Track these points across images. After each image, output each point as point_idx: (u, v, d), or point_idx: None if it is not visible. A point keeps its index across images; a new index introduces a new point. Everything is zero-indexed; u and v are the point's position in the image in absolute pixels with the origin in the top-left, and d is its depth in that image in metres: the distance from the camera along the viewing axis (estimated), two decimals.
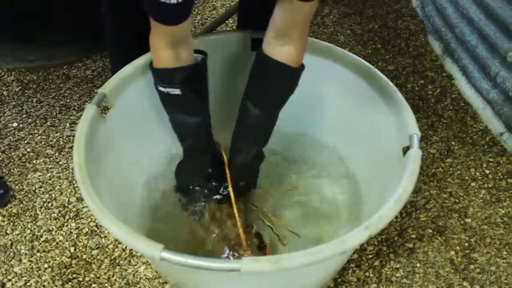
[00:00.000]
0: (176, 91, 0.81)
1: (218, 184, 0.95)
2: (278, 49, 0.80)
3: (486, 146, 1.25)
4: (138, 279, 0.98)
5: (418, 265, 1.01)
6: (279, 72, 0.81)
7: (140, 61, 0.93)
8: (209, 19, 1.70)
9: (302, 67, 0.83)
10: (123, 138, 0.91)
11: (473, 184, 1.16)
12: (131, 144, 0.94)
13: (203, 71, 0.87)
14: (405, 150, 0.79)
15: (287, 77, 0.82)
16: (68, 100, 1.41)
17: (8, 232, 1.07)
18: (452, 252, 1.03)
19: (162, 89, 0.82)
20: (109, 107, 0.89)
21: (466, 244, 1.04)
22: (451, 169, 1.20)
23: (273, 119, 0.89)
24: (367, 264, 1.01)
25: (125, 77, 0.91)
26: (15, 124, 1.33)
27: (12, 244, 1.04)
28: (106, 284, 0.97)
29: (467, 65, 1.37)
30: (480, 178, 1.18)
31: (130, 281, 0.98)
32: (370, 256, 1.02)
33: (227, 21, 1.58)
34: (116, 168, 0.88)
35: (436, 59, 1.53)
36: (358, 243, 0.64)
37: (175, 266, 0.63)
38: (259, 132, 0.90)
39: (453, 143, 1.26)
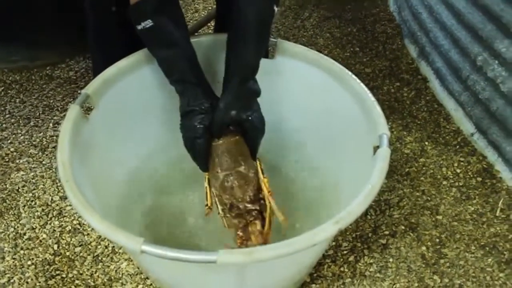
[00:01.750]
0: (149, 24, 0.83)
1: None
2: None
3: (457, 146, 1.30)
4: (120, 275, 1.00)
5: (390, 260, 1.05)
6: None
7: (122, 63, 0.95)
8: (191, 21, 1.73)
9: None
10: (106, 137, 0.93)
11: (444, 182, 1.21)
12: (114, 143, 0.96)
13: (174, 1, 0.88)
14: (376, 149, 0.83)
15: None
16: (51, 101, 1.42)
17: None
18: (424, 248, 1.08)
19: (139, 27, 0.84)
20: (92, 107, 0.91)
21: (437, 240, 1.09)
22: (424, 168, 1.25)
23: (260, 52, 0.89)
24: (342, 259, 1.05)
25: (108, 78, 0.93)
26: None
27: None
28: (89, 280, 1.00)
29: (441, 68, 1.43)
30: (451, 177, 1.23)
31: (112, 277, 1.00)
32: (345, 252, 1.07)
33: (209, 24, 1.61)
34: (99, 168, 0.91)
35: (412, 62, 1.58)
36: (329, 236, 0.68)
37: (156, 259, 0.66)
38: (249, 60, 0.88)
39: (426, 143, 1.31)
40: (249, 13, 0.85)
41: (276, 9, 0.87)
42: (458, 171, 1.24)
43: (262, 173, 0.89)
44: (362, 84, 0.91)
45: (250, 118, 0.88)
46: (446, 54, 1.39)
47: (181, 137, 0.89)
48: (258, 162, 0.92)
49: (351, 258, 1.05)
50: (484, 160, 1.26)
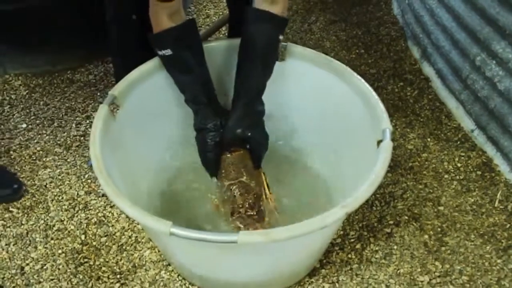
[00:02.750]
0: (168, 53, 0.96)
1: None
2: (270, 7, 0.95)
3: (458, 142, 1.37)
4: (144, 262, 1.08)
5: (395, 247, 1.12)
6: (279, 22, 0.97)
7: (144, 67, 1.04)
8: (202, 26, 1.81)
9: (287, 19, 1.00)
10: (131, 134, 1.02)
11: (446, 176, 1.28)
12: (138, 139, 1.04)
13: (192, 30, 1.00)
14: (379, 143, 0.90)
15: (281, 27, 0.99)
16: (73, 103, 1.51)
17: (23, 222, 1.17)
18: (426, 236, 1.15)
19: (159, 52, 0.97)
20: (119, 107, 0.99)
21: (439, 229, 1.16)
22: (426, 163, 1.32)
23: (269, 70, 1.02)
24: (349, 247, 1.12)
25: (132, 81, 1.02)
26: (24, 125, 1.43)
27: (27, 233, 1.15)
28: (115, 267, 1.08)
29: (442, 68, 1.50)
30: (452, 170, 1.30)
31: (136, 264, 1.08)
32: (352, 240, 1.14)
33: (220, 29, 1.69)
34: (125, 163, 0.99)
35: (415, 63, 1.65)
36: (337, 219, 0.75)
37: (181, 242, 0.74)
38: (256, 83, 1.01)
39: (429, 139, 1.39)
40: (257, 41, 0.98)
41: (281, 37, 0.99)
42: (459, 165, 1.31)
43: (268, 187, 1.00)
44: (366, 84, 0.99)
45: (254, 135, 1.01)
46: (447, 55, 1.46)
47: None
48: (263, 176, 1.03)
49: (358, 246, 1.13)
50: (483, 155, 1.33)
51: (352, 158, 1.03)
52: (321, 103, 1.11)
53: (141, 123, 1.05)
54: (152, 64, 1.05)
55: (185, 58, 0.98)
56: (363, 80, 1.00)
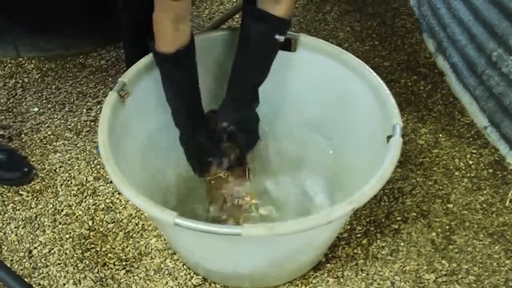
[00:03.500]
0: (165, 72, 0.97)
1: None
2: (273, 6, 0.93)
3: (471, 139, 1.35)
4: (149, 250, 1.09)
5: (402, 244, 1.11)
6: (277, 24, 0.95)
7: None
8: (216, 13, 1.80)
9: (291, 20, 0.99)
10: (139, 121, 1.02)
11: (456, 173, 1.27)
12: (146, 127, 1.04)
13: (190, 53, 0.98)
14: (389, 138, 0.89)
15: (283, 29, 0.98)
16: (84, 88, 1.51)
17: (32, 206, 1.18)
18: (434, 234, 1.13)
19: (158, 67, 0.97)
20: (128, 94, 0.99)
21: (447, 227, 1.15)
22: (437, 159, 1.30)
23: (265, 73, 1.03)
24: (355, 242, 1.12)
25: (142, 68, 1.01)
26: (35, 109, 1.44)
27: (36, 217, 1.16)
28: (121, 254, 1.09)
29: (457, 62, 1.47)
30: (463, 168, 1.28)
31: (142, 252, 1.09)
32: (359, 235, 1.13)
33: (234, 16, 1.67)
34: (132, 150, 0.99)
35: (430, 56, 1.62)
36: (343, 214, 0.74)
37: (186, 232, 0.74)
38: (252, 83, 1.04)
39: (440, 135, 1.36)
40: (251, 42, 0.98)
41: (279, 37, 0.97)
42: (470, 162, 1.29)
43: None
44: (378, 77, 0.97)
45: (240, 131, 1.06)
46: (462, 49, 1.43)
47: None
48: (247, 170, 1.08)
49: (364, 241, 1.12)
50: (496, 153, 1.30)
51: (361, 152, 1.02)
52: (332, 95, 1.10)
53: (150, 110, 1.05)
54: None
55: (179, 81, 0.98)
56: (375, 74, 0.98)
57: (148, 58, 1.02)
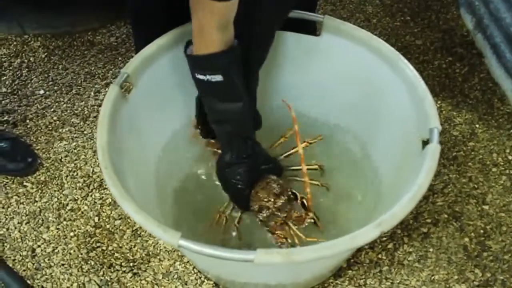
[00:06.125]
0: (218, 78, 0.77)
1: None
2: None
3: (511, 131, 1.22)
4: (158, 251, 1.02)
5: (431, 250, 1.02)
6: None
7: (161, 41, 0.93)
8: None
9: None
10: (144, 116, 0.93)
11: (494, 169, 1.15)
12: (153, 123, 0.95)
13: (240, 53, 0.82)
14: (425, 143, 0.78)
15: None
16: (93, 68, 1.42)
17: (36, 199, 1.12)
18: (466, 239, 1.04)
19: (201, 77, 0.78)
20: (132, 87, 0.90)
21: (482, 231, 1.05)
22: (472, 153, 1.18)
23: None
24: (380, 246, 1.03)
25: (147, 57, 0.91)
26: (41, 92, 1.36)
27: (40, 211, 1.10)
28: (128, 254, 1.02)
29: (499, 43, 1.32)
30: (502, 164, 1.16)
31: (150, 252, 1.02)
32: (384, 238, 1.04)
33: None
34: (137, 148, 0.90)
35: (467, 34, 1.47)
36: (370, 240, 0.65)
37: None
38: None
39: (477, 125, 1.24)
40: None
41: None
42: (510, 157, 1.17)
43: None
44: (415, 71, 0.85)
45: None
46: (507, 28, 1.28)
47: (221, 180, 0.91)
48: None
49: (390, 246, 1.03)
50: None
51: (391, 155, 0.92)
52: (359, 87, 0.99)
53: (155, 104, 0.95)
54: (169, 37, 0.93)
55: (237, 84, 0.80)
56: (411, 66, 0.86)
57: (153, 46, 0.92)
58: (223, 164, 0.89)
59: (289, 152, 0.97)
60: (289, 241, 0.81)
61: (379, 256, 1.02)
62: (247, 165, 0.87)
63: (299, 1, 0.96)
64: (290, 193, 0.87)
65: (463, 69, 1.38)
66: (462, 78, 1.36)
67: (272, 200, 0.84)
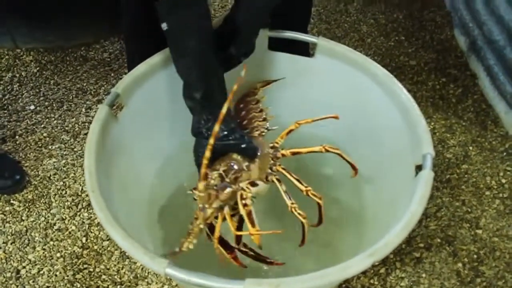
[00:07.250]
0: (165, 27, 0.75)
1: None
2: None
3: (504, 153, 1.22)
4: (146, 274, 1.00)
5: (423, 275, 1.01)
6: None
7: (153, 60, 0.91)
8: (229, 2, 1.67)
9: None
10: (134, 137, 0.91)
11: (487, 193, 1.14)
12: (142, 142, 0.94)
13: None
14: (418, 167, 0.77)
15: None
16: (85, 84, 1.41)
17: (23, 218, 1.10)
18: (460, 264, 1.02)
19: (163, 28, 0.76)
20: (122, 106, 0.88)
21: (475, 256, 1.04)
22: (466, 176, 1.18)
23: None
24: (372, 271, 1.01)
25: (139, 76, 0.90)
26: (32, 107, 1.34)
27: (27, 231, 1.08)
28: (116, 276, 1.00)
29: (493, 65, 1.32)
30: (495, 187, 1.15)
31: (138, 275, 1.00)
32: (376, 263, 1.02)
33: None
34: (127, 168, 0.89)
35: (461, 55, 1.48)
36: (362, 270, 0.64)
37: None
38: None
39: (470, 148, 1.24)
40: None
41: None
42: (503, 181, 1.16)
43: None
44: (409, 95, 0.84)
45: None
46: (500, 51, 1.28)
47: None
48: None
49: (382, 271, 1.01)
50: None
51: (384, 179, 0.91)
52: (352, 109, 0.98)
53: (146, 125, 0.94)
54: (162, 56, 0.92)
55: (181, 37, 0.75)
56: (405, 91, 0.85)
57: (145, 65, 0.91)
58: (192, 135, 0.82)
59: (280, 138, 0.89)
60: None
61: (371, 281, 1.00)
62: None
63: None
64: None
65: (457, 90, 1.38)
66: (456, 99, 1.36)
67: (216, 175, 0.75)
